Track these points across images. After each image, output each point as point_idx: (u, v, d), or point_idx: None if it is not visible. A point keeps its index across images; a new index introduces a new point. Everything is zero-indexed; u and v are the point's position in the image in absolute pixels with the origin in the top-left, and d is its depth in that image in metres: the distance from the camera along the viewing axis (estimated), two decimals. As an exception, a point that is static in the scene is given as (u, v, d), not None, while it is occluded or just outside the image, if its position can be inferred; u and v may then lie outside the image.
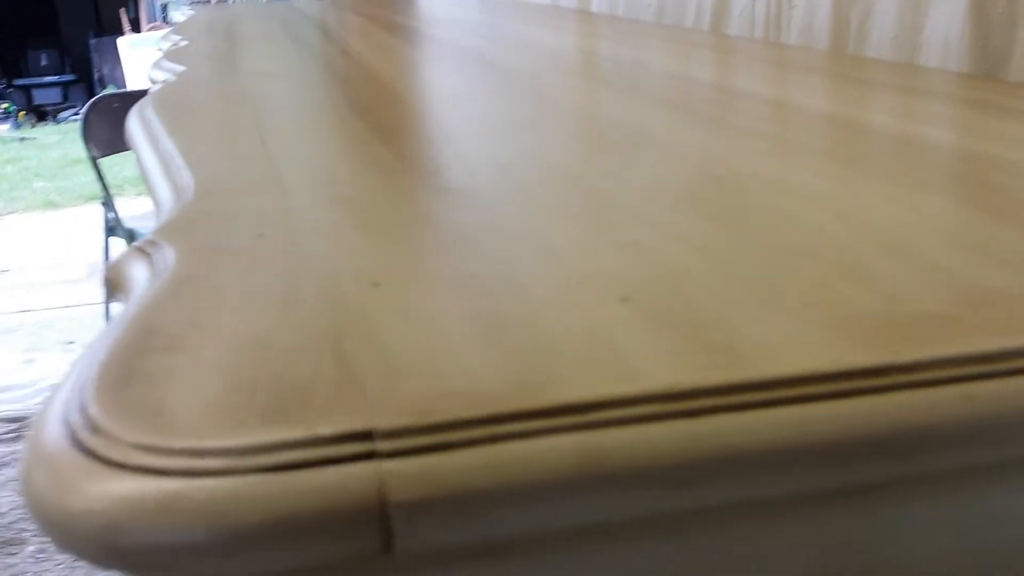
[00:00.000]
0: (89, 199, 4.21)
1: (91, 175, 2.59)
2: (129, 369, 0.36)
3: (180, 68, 1.17)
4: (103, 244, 2.65)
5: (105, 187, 2.55)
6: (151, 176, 0.71)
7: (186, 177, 0.64)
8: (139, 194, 4.23)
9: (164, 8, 7.29)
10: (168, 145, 0.74)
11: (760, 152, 0.68)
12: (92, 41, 7.27)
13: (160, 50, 1.52)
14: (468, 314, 0.40)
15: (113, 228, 2.60)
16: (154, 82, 1.22)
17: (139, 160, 0.79)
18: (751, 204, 0.55)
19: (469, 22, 1.77)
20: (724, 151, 0.69)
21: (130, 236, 2.55)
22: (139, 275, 0.49)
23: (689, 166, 0.65)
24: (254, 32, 1.62)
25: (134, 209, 2.94)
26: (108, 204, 2.58)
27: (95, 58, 7.24)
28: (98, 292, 2.74)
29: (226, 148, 0.73)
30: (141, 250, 0.51)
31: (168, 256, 0.49)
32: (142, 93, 2.63)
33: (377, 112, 0.87)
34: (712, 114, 0.84)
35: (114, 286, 0.52)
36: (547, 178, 0.62)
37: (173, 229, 0.53)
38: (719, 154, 0.68)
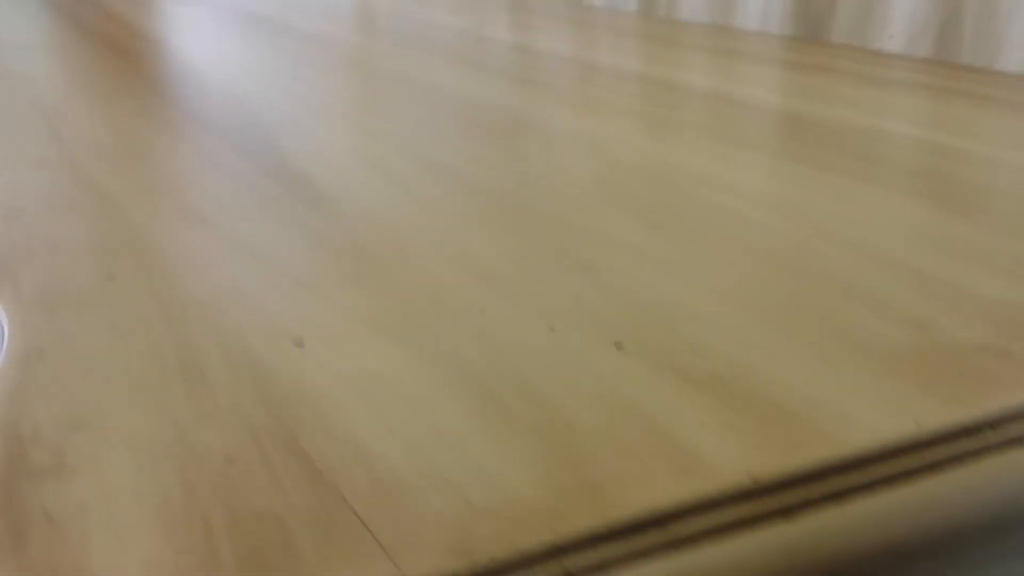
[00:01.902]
0: None
1: None
2: (19, 512, 0.26)
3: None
4: None
5: None
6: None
7: (-24, 193, 0.52)
8: None
9: None
10: (-65, 148, 0.61)
11: (649, 134, 0.63)
12: None
13: None
14: (439, 381, 0.32)
15: None
16: None
17: None
18: (688, 204, 0.49)
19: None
20: (610, 133, 0.63)
21: None
22: (-42, 341, 0.38)
23: (585, 154, 0.59)
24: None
25: None
26: None
27: None
28: None
29: (13, 148, 0.60)
30: (-48, 305, 0.40)
31: (1, 317, 0.38)
32: None
33: (189, 97, 0.75)
34: (568, 88, 0.78)
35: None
36: (431, 175, 0.54)
37: (-9, 273, 0.41)
38: (609, 138, 0.62)
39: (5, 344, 0.35)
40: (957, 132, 0.63)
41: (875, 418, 0.29)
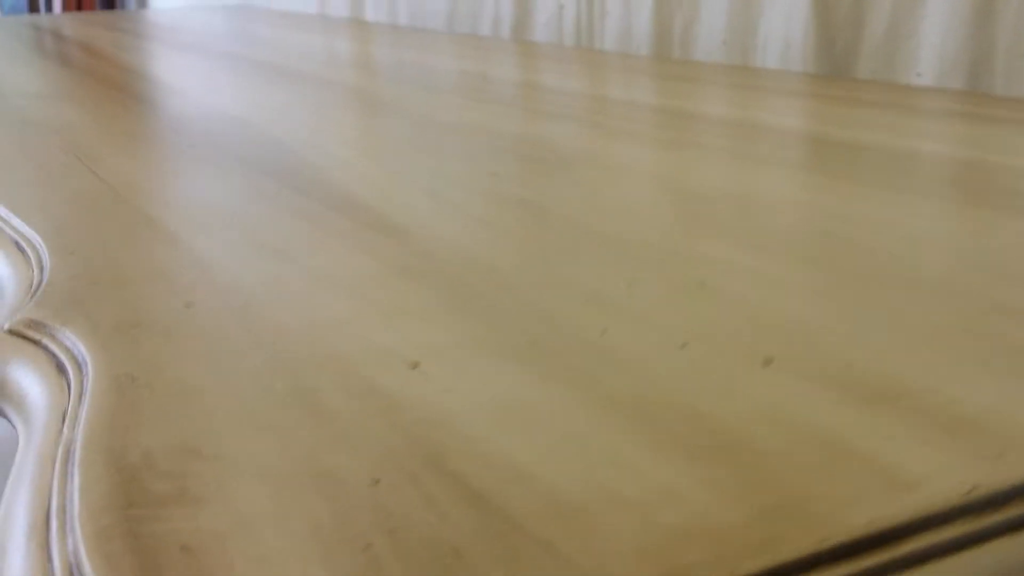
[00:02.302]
0: None
1: None
2: (149, 544, 0.23)
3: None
4: None
5: None
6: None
7: (21, 230, 0.49)
8: None
9: None
10: (-32, 188, 0.58)
11: (705, 163, 0.61)
12: None
13: None
14: (578, 399, 0.29)
15: None
16: None
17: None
18: (778, 227, 0.47)
19: (253, 36, 1.61)
20: (664, 163, 0.62)
21: None
22: (32, 376, 0.35)
23: (647, 183, 0.57)
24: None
25: None
26: None
27: None
28: None
29: (52, 187, 0.58)
30: (22, 336, 0.37)
31: (74, 345, 0.35)
32: None
33: (223, 139, 0.73)
34: (604, 123, 0.76)
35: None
36: (500, 206, 0.52)
37: (59, 304, 0.38)
38: (666, 167, 0.60)
39: (95, 374, 0.32)
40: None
41: (1077, 427, 0.27)
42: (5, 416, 0.35)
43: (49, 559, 0.23)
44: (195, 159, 0.65)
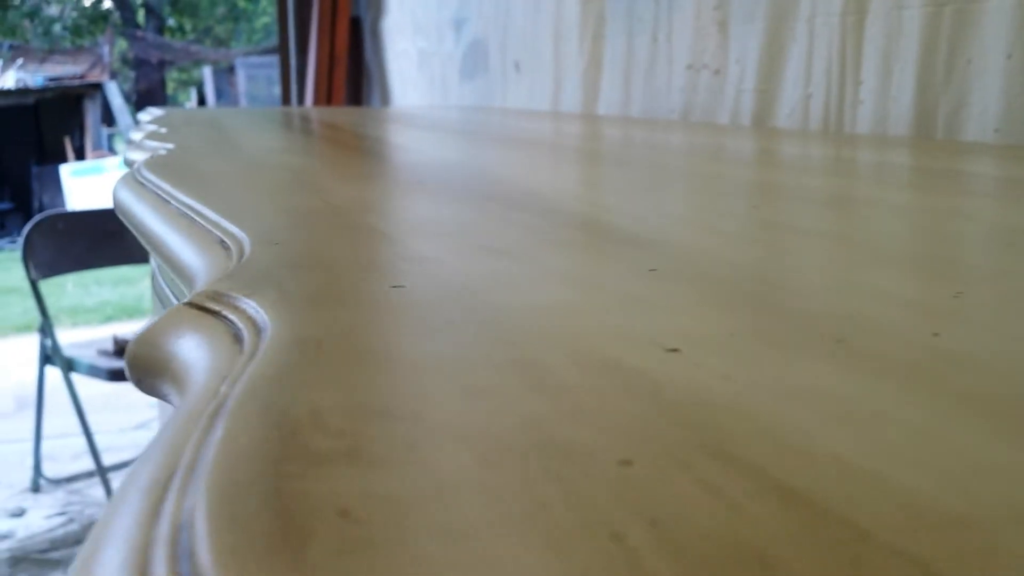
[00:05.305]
0: (21, 329, 3.89)
1: (24, 304, 2.33)
2: (296, 505, 0.15)
3: (168, 145, 0.97)
4: (37, 373, 2.38)
5: (43, 311, 2.30)
6: (165, 241, 0.51)
7: (229, 229, 0.45)
8: (75, 324, 3.96)
9: (110, 138, 7.10)
10: (187, 202, 0.54)
11: (987, 206, 0.51)
12: (34, 169, 7.02)
13: (132, 142, 1.32)
14: (919, 397, 0.20)
15: (50, 356, 2.33)
16: (131, 165, 1.02)
17: (139, 226, 0.59)
18: None
19: (488, 121, 1.60)
20: (942, 207, 0.52)
21: (68, 365, 2.29)
22: (202, 349, 0.29)
23: (928, 218, 0.47)
24: (240, 124, 1.43)
25: (71, 338, 2.67)
26: (46, 330, 2.31)
27: (36, 186, 6.97)
28: (28, 427, 2.45)
29: (275, 204, 0.54)
30: (200, 308, 0.31)
31: (257, 313, 0.29)
32: (91, 214, 2.42)
33: (448, 176, 0.68)
34: (870, 177, 0.67)
35: (142, 367, 0.31)
36: (768, 232, 0.44)
37: (249, 279, 0.33)
38: (943, 209, 0.51)
39: (273, 333, 0.26)
40: None
41: None
42: (166, 399, 0.30)
43: (156, 522, 0.16)
44: (420, 189, 0.60)
